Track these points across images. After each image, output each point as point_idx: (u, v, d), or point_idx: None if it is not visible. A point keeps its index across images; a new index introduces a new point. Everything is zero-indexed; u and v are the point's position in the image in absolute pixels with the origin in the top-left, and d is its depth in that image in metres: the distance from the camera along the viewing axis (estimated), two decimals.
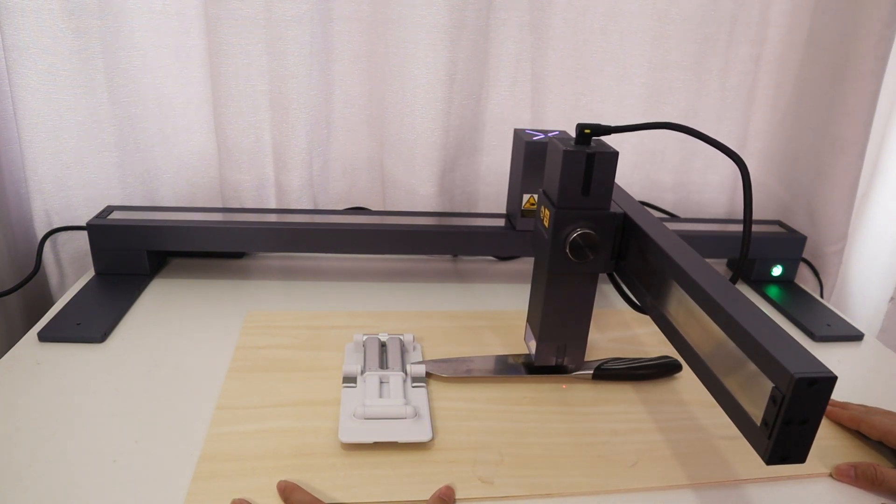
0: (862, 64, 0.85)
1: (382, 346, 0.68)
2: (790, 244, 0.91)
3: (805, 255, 0.94)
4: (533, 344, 0.65)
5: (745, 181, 0.52)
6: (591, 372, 0.66)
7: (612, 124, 0.55)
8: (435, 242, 0.83)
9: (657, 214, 1.00)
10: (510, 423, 0.59)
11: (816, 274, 0.97)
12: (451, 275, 0.90)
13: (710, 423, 0.61)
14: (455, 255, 0.94)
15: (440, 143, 0.88)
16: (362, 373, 0.63)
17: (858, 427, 0.60)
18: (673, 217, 1.00)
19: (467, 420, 0.59)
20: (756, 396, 0.41)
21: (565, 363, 0.65)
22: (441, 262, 0.93)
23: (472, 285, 0.87)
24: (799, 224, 0.97)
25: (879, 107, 0.88)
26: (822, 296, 0.96)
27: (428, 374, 0.64)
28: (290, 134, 0.86)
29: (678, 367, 0.68)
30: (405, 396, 0.60)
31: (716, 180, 1.00)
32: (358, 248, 0.84)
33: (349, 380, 0.62)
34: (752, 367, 0.42)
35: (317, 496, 0.49)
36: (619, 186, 0.69)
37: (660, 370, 0.67)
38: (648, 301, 0.57)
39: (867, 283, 1.06)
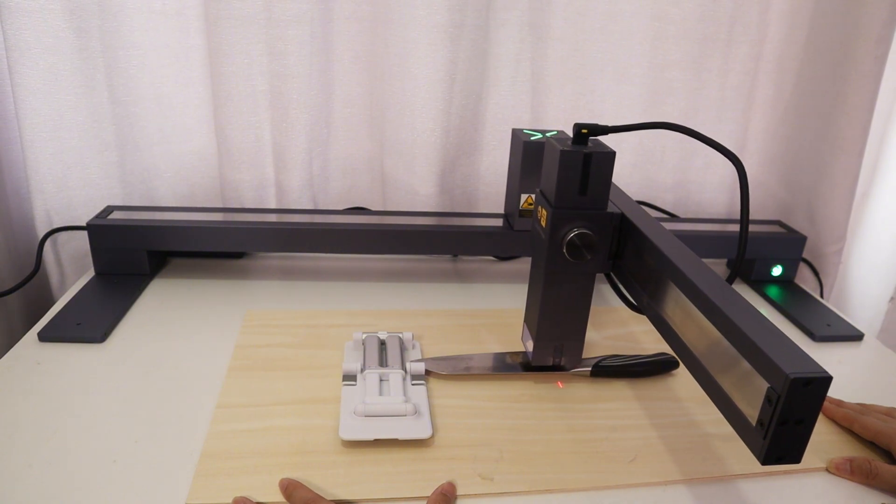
0: (862, 64, 0.85)
1: (382, 344, 0.68)
2: (790, 244, 0.91)
3: (805, 255, 0.94)
4: (530, 343, 0.64)
5: (743, 183, 0.52)
6: (589, 369, 0.66)
7: (611, 124, 0.55)
8: (435, 242, 0.83)
9: (656, 214, 1.00)
10: (509, 420, 0.59)
11: (816, 274, 0.97)
12: (450, 275, 0.90)
13: (706, 420, 0.62)
14: (455, 255, 0.95)
15: (440, 143, 0.88)
16: (362, 371, 0.63)
17: (851, 426, 0.60)
18: (673, 217, 1.00)
19: (467, 417, 0.59)
20: (751, 396, 0.41)
21: (562, 363, 0.65)
22: (441, 262, 0.93)
23: (472, 285, 0.87)
24: (799, 224, 0.97)
25: (879, 107, 0.89)
26: (822, 296, 0.96)
27: (427, 372, 0.64)
28: (290, 134, 0.86)
29: (675, 364, 0.68)
30: (405, 394, 0.60)
31: (716, 180, 1.00)
32: (358, 248, 0.84)
33: (349, 378, 0.62)
34: (748, 366, 0.42)
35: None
36: (616, 186, 0.68)
37: (657, 367, 0.68)
38: (645, 301, 0.56)
39: (867, 283, 1.06)
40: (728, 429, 0.60)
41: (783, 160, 0.98)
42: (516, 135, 0.78)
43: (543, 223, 0.58)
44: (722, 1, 0.88)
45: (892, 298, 1.02)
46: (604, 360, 0.67)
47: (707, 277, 0.48)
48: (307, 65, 0.83)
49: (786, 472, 0.55)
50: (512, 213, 0.81)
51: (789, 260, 0.92)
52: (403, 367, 0.64)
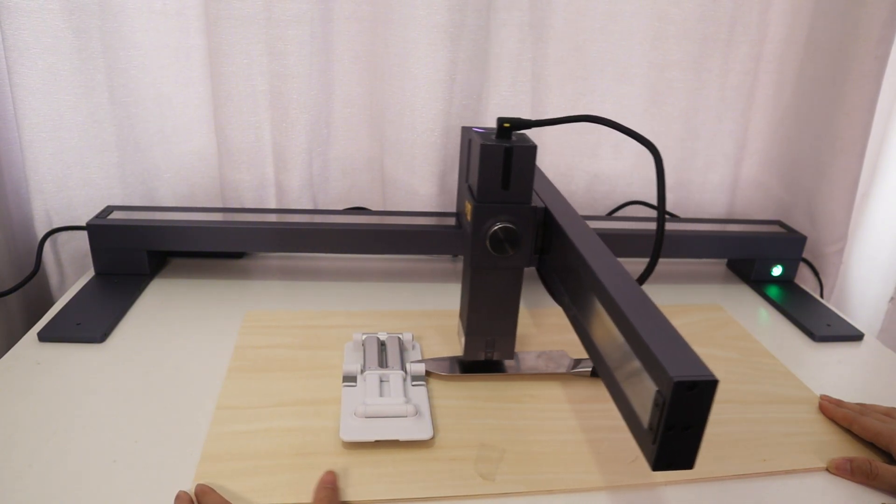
0: (862, 64, 0.85)
1: (381, 344, 0.68)
2: (790, 244, 0.91)
3: (805, 255, 0.94)
4: (464, 339, 0.64)
5: (659, 170, 0.52)
6: (590, 369, 0.66)
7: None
8: (435, 242, 0.83)
9: (655, 214, 1.00)
10: (510, 421, 0.59)
11: (816, 274, 0.97)
12: (450, 275, 0.90)
13: None
14: (455, 255, 0.94)
15: (440, 143, 0.88)
16: (362, 372, 0.63)
17: (850, 427, 0.61)
18: (673, 217, 1.00)
19: (467, 418, 0.59)
20: (645, 400, 0.40)
21: (495, 357, 0.65)
22: (441, 262, 0.93)
23: None
24: (799, 224, 0.97)
25: (879, 107, 0.88)
26: (822, 296, 0.96)
27: (427, 373, 0.64)
28: (290, 134, 0.86)
29: None
30: (405, 395, 0.60)
31: (716, 180, 1.00)
32: (358, 248, 0.83)
33: (349, 379, 0.62)
34: (642, 370, 0.40)
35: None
36: (548, 181, 0.67)
37: None
38: (565, 299, 0.55)
39: (867, 283, 1.07)
40: (728, 429, 0.61)
41: (783, 160, 0.98)
42: (465, 132, 0.75)
43: (468, 217, 0.58)
44: (722, 1, 0.88)
45: (892, 298, 1.02)
46: None
47: (616, 276, 0.47)
48: (307, 65, 0.83)
49: (786, 472, 0.55)
50: (462, 211, 0.80)
51: (789, 260, 0.92)
52: (403, 368, 0.64)
